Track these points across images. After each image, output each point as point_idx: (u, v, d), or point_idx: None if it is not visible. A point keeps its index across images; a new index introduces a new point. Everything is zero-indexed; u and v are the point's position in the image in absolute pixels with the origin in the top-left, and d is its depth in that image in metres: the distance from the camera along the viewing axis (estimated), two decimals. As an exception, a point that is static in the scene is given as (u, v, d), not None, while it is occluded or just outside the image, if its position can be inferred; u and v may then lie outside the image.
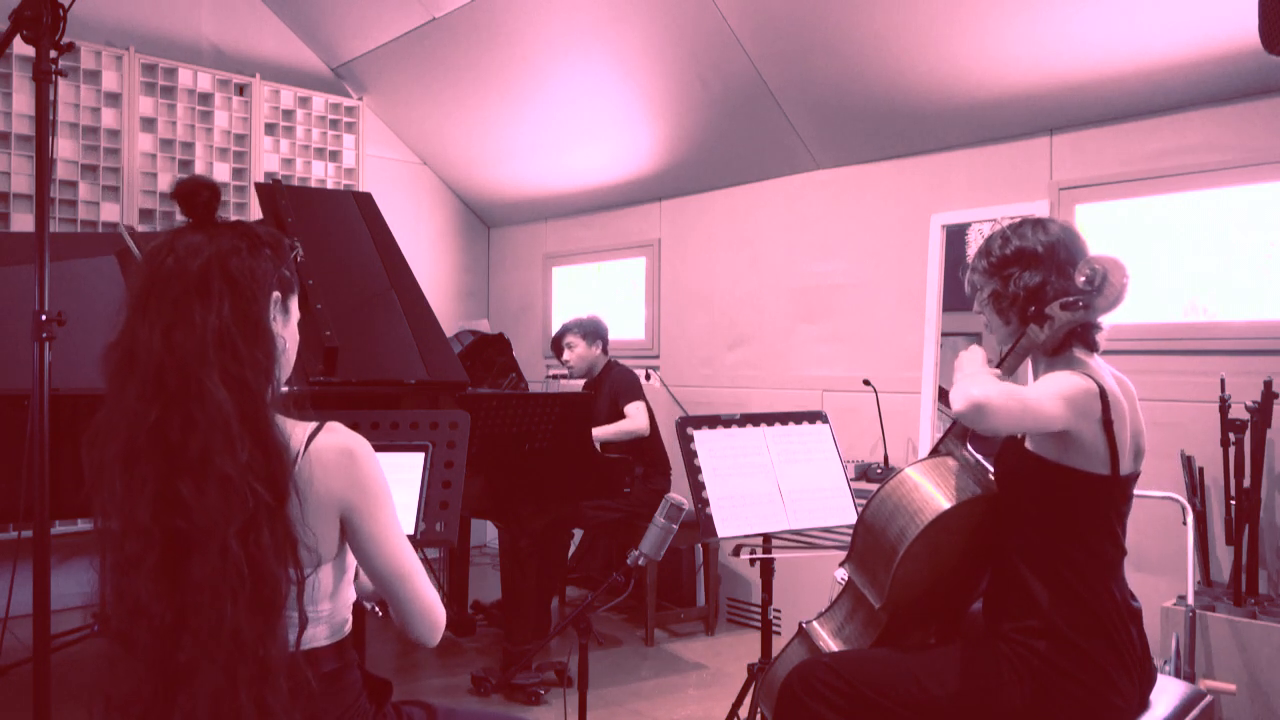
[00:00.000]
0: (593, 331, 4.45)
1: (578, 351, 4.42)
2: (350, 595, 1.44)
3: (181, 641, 1.23)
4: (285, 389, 1.41)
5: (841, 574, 2.09)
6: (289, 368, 1.46)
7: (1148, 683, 1.83)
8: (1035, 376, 1.91)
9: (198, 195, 1.34)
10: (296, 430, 1.35)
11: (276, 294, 1.38)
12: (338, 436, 1.35)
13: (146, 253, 1.34)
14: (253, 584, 1.22)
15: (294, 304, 1.45)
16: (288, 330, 1.43)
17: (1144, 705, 1.83)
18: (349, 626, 1.43)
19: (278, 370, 1.36)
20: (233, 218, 4.92)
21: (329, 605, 1.37)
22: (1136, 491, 3.19)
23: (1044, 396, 1.69)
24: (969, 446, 1.95)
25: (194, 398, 1.24)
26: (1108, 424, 1.72)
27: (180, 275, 1.28)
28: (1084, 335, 1.84)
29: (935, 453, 1.98)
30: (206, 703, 1.21)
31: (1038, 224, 1.89)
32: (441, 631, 1.44)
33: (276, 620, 1.24)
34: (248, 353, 1.28)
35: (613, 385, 4.36)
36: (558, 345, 4.57)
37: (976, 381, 1.70)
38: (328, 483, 1.32)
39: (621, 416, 4.28)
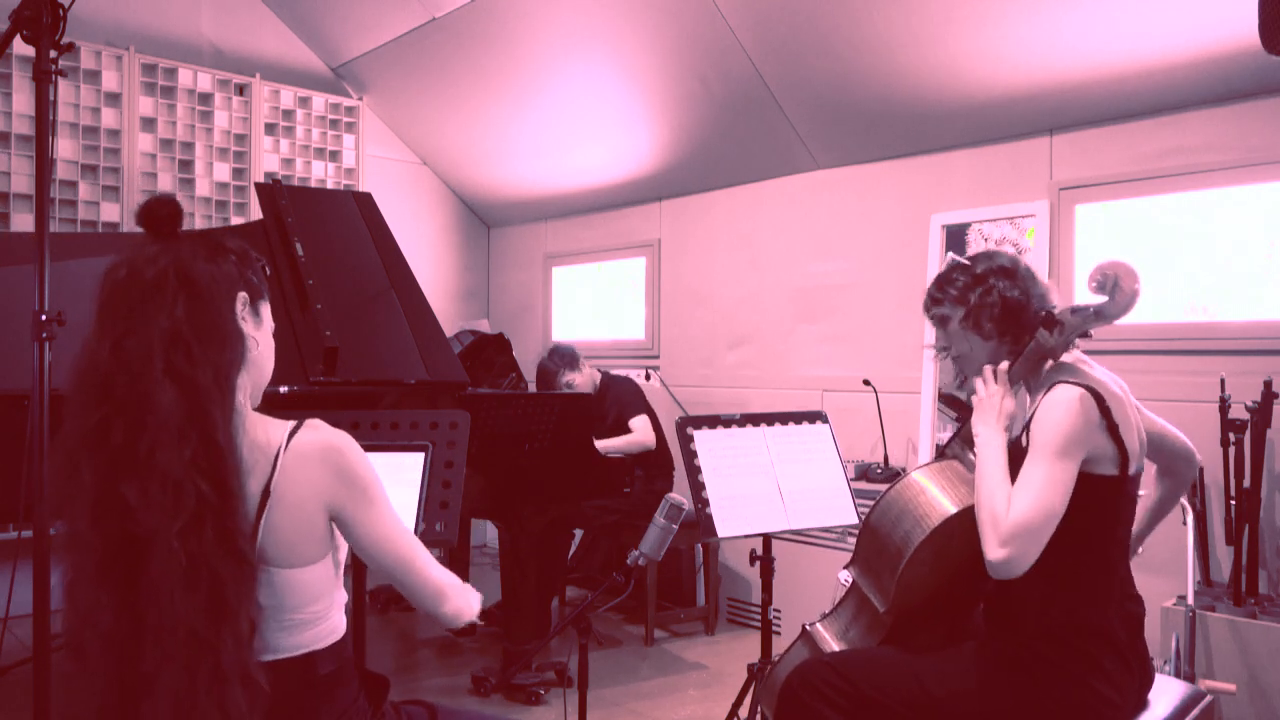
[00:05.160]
0: (575, 359, 4.41)
1: (579, 381, 4.38)
2: (341, 598, 1.43)
3: (141, 648, 1.22)
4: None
5: (846, 576, 2.09)
6: (265, 370, 1.45)
7: (1147, 682, 1.83)
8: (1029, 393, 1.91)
9: (159, 210, 1.35)
10: (275, 429, 1.33)
11: (244, 294, 1.38)
12: (319, 433, 1.34)
13: (104, 270, 1.34)
14: (204, 583, 1.21)
15: (265, 310, 1.45)
16: (260, 333, 1.42)
17: (1142, 705, 1.83)
18: (343, 629, 1.42)
19: (242, 373, 1.35)
20: (233, 218, 4.95)
21: (320, 606, 1.36)
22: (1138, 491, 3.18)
23: (1045, 486, 1.66)
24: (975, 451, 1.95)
25: (140, 398, 1.24)
26: (1112, 428, 1.71)
27: (134, 284, 1.29)
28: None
29: (941, 456, 1.98)
30: (169, 707, 1.20)
31: (989, 253, 1.93)
32: (454, 607, 1.44)
33: (228, 620, 1.22)
34: (201, 353, 1.28)
35: (616, 397, 4.35)
36: (550, 384, 4.51)
37: (986, 522, 1.68)
38: (311, 481, 1.31)
39: (627, 427, 4.27)
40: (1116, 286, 1.72)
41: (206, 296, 1.31)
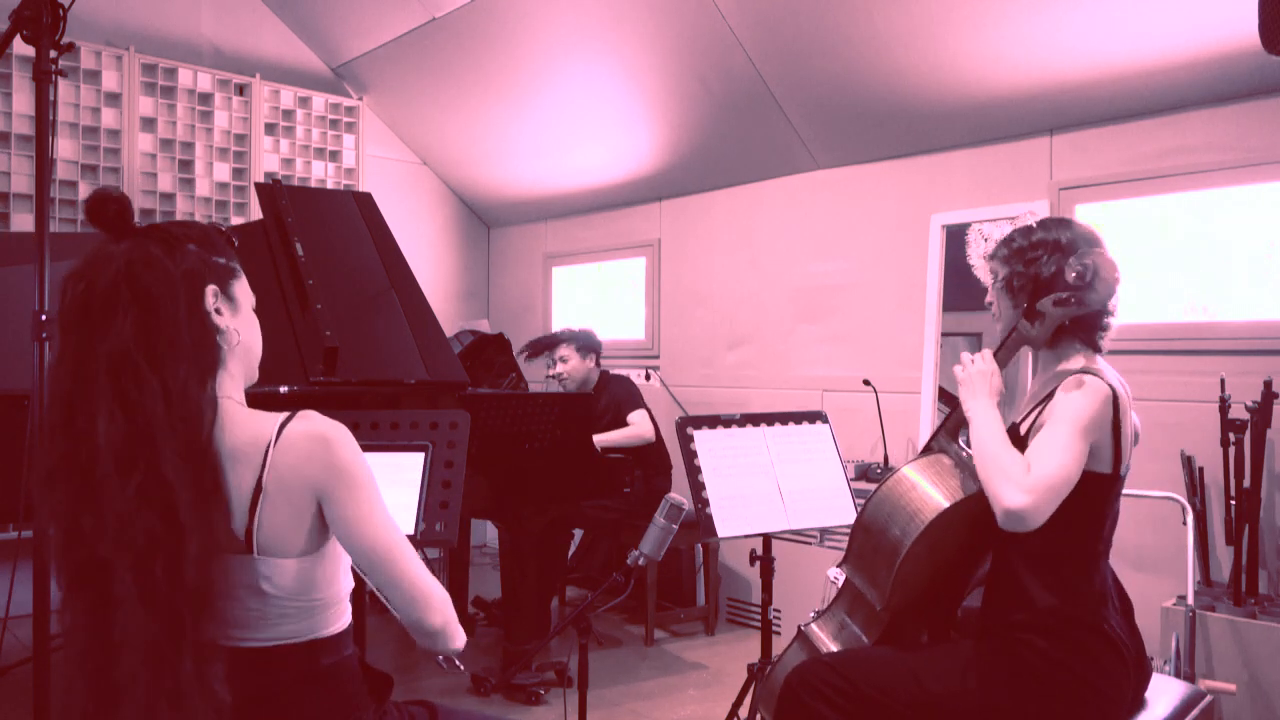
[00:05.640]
0: (587, 344, 4.38)
1: (571, 365, 4.35)
2: (347, 585, 1.41)
3: (110, 662, 1.22)
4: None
5: (835, 574, 2.09)
6: (254, 353, 1.43)
7: (1144, 678, 1.83)
8: (1035, 366, 1.92)
9: (105, 208, 1.29)
10: (266, 423, 1.31)
11: (213, 287, 1.33)
12: (310, 423, 1.31)
13: (63, 279, 1.29)
14: (161, 609, 1.21)
15: (239, 290, 1.40)
16: (239, 320, 1.38)
17: (1140, 702, 1.84)
18: (348, 619, 1.41)
19: (221, 371, 1.34)
20: (233, 218, 4.95)
21: (322, 594, 1.35)
22: (1138, 491, 3.20)
23: (1067, 452, 1.68)
24: (961, 442, 1.95)
25: (91, 427, 1.22)
26: (1115, 427, 1.74)
27: (86, 302, 1.25)
28: (1088, 336, 1.85)
29: (928, 450, 1.97)
30: (135, 717, 1.21)
31: (1061, 221, 1.90)
32: (443, 618, 1.35)
33: (187, 641, 1.22)
34: (152, 374, 1.23)
35: (612, 396, 4.35)
36: (542, 349, 4.48)
37: (1002, 471, 1.69)
38: (300, 470, 1.29)
39: (624, 423, 4.27)
40: (1096, 276, 1.74)
41: (159, 306, 1.25)
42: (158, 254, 1.28)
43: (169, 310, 1.26)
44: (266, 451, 1.29)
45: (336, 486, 1.31)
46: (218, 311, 1.34)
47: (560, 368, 4.39)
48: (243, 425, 1.31)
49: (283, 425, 1.30)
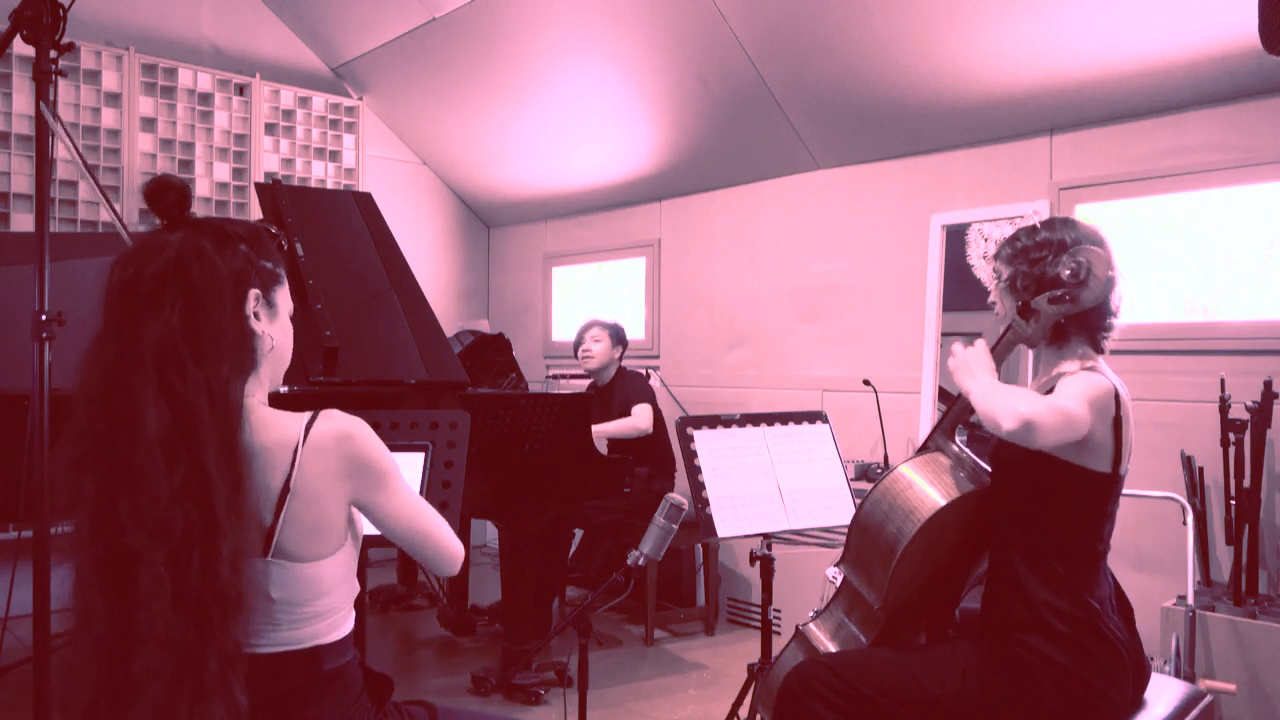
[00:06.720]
0: (617, 335, 4.48)
1: (602, 347, 4.43)
2: (353, 591, 1.42)
3: (130, 656, 1.21)
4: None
5: (833, 573, 2.09)
6: (284, 358, 1.43)
7: (1142, 677, 1.83)
8: (1036, 368, 1.92)
9: (165, 196, 1.31)
10: (291, 423, 1.32)
11: (256, 291, 1.35)
12: (333, 423, 1.33)
13: (112, 261, 1.30)
14: (190, 605, 1.20)
15: (281, 296, 1.42)
16: (276, 326, 1.40)
17: (1139, 702, 1.84)
18: (351, 624, 1.42)
19: (253, 376, 1.34)
20: (232, 218, 4.94)
21: (332, 599, 1.35)
22: (1138, 491, 3.19)
23: (1074, 403, 1.69)
24: (957, 441, 1.95)
25: (135, 414, 1.22)
26: (1117, 423, 1.74)
27: (135, 287, 1.26)
28: (1090, 336, 1.85)
29: (924, 449, 1.97)
30: (151, 716, 1.20)
31: (1066, 221, 1.90)
32: (460, 560, 1.49)
33: (213, 640, 1.21)
34: (195, 367, 1.24)
35: (625, 390, 4.38)
36: (582, 334, 4.58)
37: (1011, 395, 1.69)
38: (328, 469, 1.30)
39: (630, 414, 4.30)
40: (1090, 273, 1.74)
41: (205, 303, 1.26)
42: (209, 249, 1.29)
43: (214, 308, 1.27)
44: (295, 452, 1.29)
45: (368, 485, 1.34)
46: (256, 316, 1.35)
47: (590, 344, 4.45)
48: (270, 426, 1.31)
49: (309, 425, 1.31)
